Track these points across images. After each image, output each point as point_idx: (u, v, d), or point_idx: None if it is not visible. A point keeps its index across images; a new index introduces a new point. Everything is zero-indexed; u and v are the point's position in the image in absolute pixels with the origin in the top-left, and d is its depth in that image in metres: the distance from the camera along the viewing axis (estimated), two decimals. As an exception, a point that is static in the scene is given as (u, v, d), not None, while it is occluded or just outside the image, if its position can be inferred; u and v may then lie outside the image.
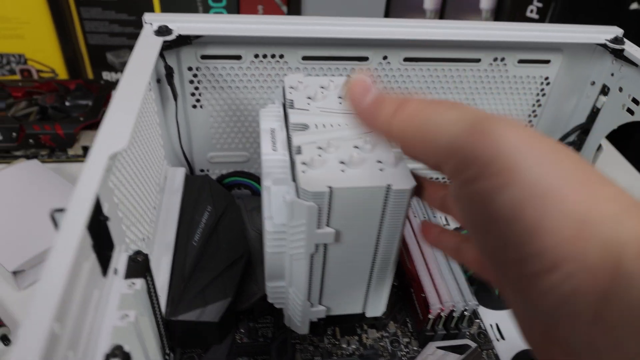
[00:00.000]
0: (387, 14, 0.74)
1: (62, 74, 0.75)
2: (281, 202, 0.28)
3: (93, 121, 0.55)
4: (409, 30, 0.39)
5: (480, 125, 0.17)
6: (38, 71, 0.74)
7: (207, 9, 0.72)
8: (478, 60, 0.43)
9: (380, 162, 0.28)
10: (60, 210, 0.22)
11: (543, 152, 0.16)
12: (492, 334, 0.39)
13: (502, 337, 0.39)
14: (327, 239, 0.28)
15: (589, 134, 0.47)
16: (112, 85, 0.62)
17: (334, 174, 0.27)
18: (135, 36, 0.73)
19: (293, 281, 0.31)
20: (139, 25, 0.75)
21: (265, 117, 0.33)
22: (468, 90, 0.45)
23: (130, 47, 0.75)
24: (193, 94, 0.42)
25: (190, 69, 0.40)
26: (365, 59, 0.41)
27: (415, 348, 0.37)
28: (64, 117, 0.57)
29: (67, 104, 0.59)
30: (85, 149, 0.57)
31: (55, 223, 0.22)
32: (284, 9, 0.73)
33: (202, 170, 0.48)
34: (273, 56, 0.40)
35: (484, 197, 0.17)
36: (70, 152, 0.57)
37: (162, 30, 0.35)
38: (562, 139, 0.49)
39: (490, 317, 0.40)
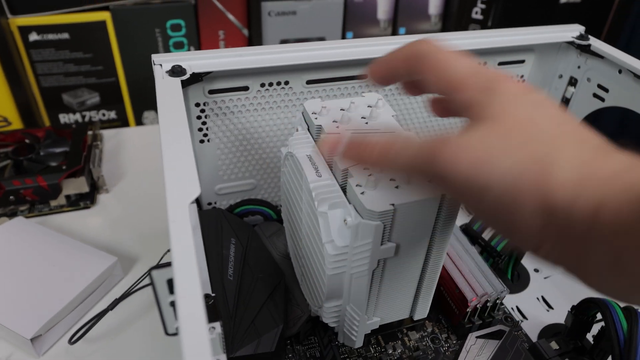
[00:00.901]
0: (344, 26, 0.76)
1: (16, 121, 0.71)
2: (341, 225, 0.29)
3: (76, 168, 0.53)
4: (404, 46, 0.42)
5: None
6: (-12, 121, 0.70)
7: (166, 39, 0.71)
8: (464, 67, 0.46)
9: (425, 174, 0.30)
10: (158, 267, 0.22)
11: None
12: (516, 316, 0.42)
13: (525, 317, 0.42)
14: (388, 253, 0.29)
15: (562, 121, 0.51)
16: (85, 127, 0.59)
17: (391, 192, 0.28)
18: (93, 74, 0.71)
19: (352, 298, 0.32)
20: (95, 63, 0.73)
21: (297, 145, 0.34)
22: (455, 94, 0.48)
23: (88, 86, 0.73)
24: (200, 129, 0.42)
25: (197, 104, 0.40)
26: (366, 76, 0.43)
27: (454, 342, 0.40)
28: (43, 168, 0.54)
29: (41, 153, 0.56)
30: (69, 198, 0.55)
31: (152, 282, 0.22)
32: (245, 31, 0.74)
33: (209, 204, 0.47)
34: (279, 83, 0.41)
35: None
36: (53, 203, 0.54)
37: (177, 71, 0.35)
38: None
39: (510, 301, 0.44)
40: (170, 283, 0.22)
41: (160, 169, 0.60)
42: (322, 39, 0.76)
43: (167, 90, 0.34)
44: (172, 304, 0.23)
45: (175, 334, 0.25)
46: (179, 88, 0.34)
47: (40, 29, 0.66)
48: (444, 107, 0.29)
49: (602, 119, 0.48)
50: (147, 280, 0.44)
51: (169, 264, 0.22)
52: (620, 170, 0.19)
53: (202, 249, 0.41)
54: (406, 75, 0.27)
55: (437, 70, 0.25)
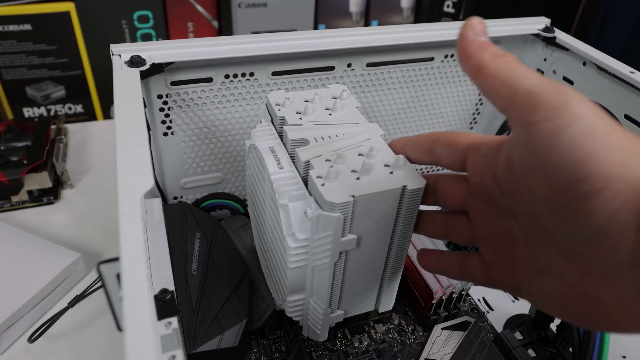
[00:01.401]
0: (316, 19, 0.76)
1: (-23, 115, 0.69)
2: (302, 217, 0.29)
3: (38, 162, 0.52)
4: (371, 38, 0.41)
5: (555, 84, 0.21)
6: (-52, 115, 0.67)
7: (134, 31, 0.69)
8: (431, 59, 0.46)
9: (387, 165, 0.29)
10: (107, 261, 0.21)
11: (598, 112, 0.20)
12: (482, 307, 0.43)
13: (491, 309, 0.43)
14: (350, 245, 0.29)
15: (529, 114, 0.52)
16: (48, 121, 0.58)
17: (351, 183, 0.28)
18: (58, 67, 0.69)
19: (315, 291, 0.32)
20: (60, 55, 0.71)
21: (260, 137, 0.33)
22: (424, 86, 0.48)
23: (52, 79, 0.71)
24: (164, 122, 0.41)
25: (160, 96, 0.39)
26: (332, 68, 0.43)
27: (421, 333, 0.40)
28: (4, 162, 0.52)
29: (1, 147, 0.54)
30: (31, 194, 0.53)
31: (100, 276, 0.22)
32: (215, 23, 0.73)
33: (175, 198, 0.46)
34: (244, 75, 0.40)
35: (548, 135, 0.20)
36: (15, 199, 0.52)
37: (136, 61, 0.34)
38: (506, 121, 0.54)
39: (477, 293, 0.44)
40: (119, 278, 0.22)
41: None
42: (293, 31, 0.76)
43: (125, 81, 0.33)
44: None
45: (128, 330, 0.24)
46: (137, 79, 0.33)
47: (1, 19, 0.64)
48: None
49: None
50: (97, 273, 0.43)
51: (117, 259, 0.21)
52: None
53: (165, 244, 0.40)
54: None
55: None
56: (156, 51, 0.36)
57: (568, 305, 0.22)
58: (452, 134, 0.28)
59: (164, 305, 0.27)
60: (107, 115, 0.75)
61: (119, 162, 0.25)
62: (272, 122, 0.35)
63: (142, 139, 0.27)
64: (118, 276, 0.22)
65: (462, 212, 0.28)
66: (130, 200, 0.23)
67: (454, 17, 0.81)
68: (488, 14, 0.81)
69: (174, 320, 0.26)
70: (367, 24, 0.80)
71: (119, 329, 0.24)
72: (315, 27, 0.78)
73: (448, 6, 0.80)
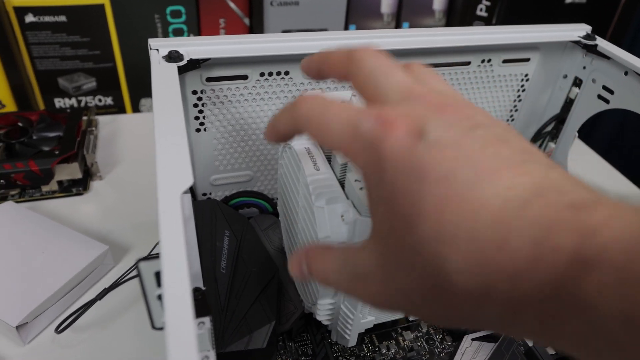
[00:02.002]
0: (347, 19, 0.75)
1: (9, 104, 0.70)
2: (338, 221, 0.28)
3: (70, 154, 0.52)
4: (407, 40, 0.41)
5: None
6: (-18, 103, 0.68)
7: (166, 26, 0.70)
8: (468, 63, 0.45)
9: (427, 171, 0.29)
10: (146, 259, 0.21)
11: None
12: (512, 319, 0.42)
13: (522, 321, 0.42)
14: (386, 251, 0.29)
15: (565, 123, 0.51)
16: (80, 112, 0.58)
17: (390, 188, 0.27)
18: (90, 59, 0.69)
19: (346, 296, 0.31)
20: (93, 47, 0.71)
21: (296, 138, 0.33)
22: (459, 90, 0.47)
23: (84, 71, 0.72)
24: (197, 118, 0.41)
25: (194, 92, 0.39)
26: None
27: (449, 343, 0.39)
28: (36, 152, 0.53)
29: (34, 137, 0.55)
30: (61, 184, 0.54)
31: (138, 273, 0.21)
32: (246, 21, 0.73)
33: (204, 194, 0.46)
34: (279, 73, 0.40)
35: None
36: (45, 188, 0.53)
37: (174, 56, 0.34)
38: (541, 129, 0.52)
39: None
40: (158, 276, 0.22)
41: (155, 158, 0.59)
42: (324, 30, 0.75)
43: (163, 76, 0.33)
44: (160, 297, 0.22)
45: (162, 328, 0.24)
46: (176, 74, 0.33)
47: (37, 10, 0.65)
48: None
49: (602, 120, 0.48)
50: (137, 271, 0.43)
51: (157, 256, 0.21)
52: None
53: (194, 240, 0.40)
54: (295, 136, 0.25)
55: (320, 136, 0.21)
56: (193, 47, 0.36)
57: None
58: None
59: (198, 304, 0.27)
60: (137, 108, 0.75)
61: (159, 159, 0.25)
62: (307, 122, 0.34)
63: (181, 135, 0.27)
64: (156, 274, 0.22)
65: None
66: (171, 197, 0.23)
67: (486, 21, 0.80)
68: (521, 18, 0.79)
69: (207, 320, 0.26)
70: (398, 25, 0.80)
71: (154, 327, 0.24)
72: (346, 27, 0.77)
73: (481, 10, 0.79)
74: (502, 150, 0.17)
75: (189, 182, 0.24)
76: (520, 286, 0.15)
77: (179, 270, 0.20)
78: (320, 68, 0.25)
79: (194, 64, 0.36)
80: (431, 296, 0.18)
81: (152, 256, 0.21)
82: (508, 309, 0.16)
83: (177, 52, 0.35)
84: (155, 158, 0.25)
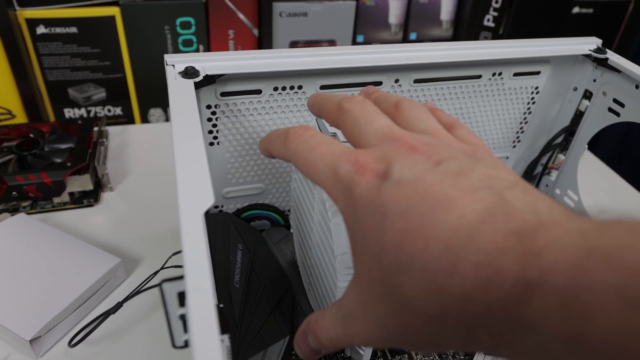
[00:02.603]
0: (355, 29, 0.76)
1: (20, 114, 0.70)
2: (355, 238, 0.28)
3: (81, 165, 0.52)
4: (420, 55, 0.41)
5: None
6: (-8, 114, 0.69)
7: (175, 37, 0.70)
8: (479, 77, 0.45)
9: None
10: (169, 280, 0.21)
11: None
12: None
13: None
14: (403, 268, 0.29)
15: (575, 135, 0.51)
16: (91, 123, 0.59)
17: (407, 206, 0.27)
18: (100, 69, 0.70)
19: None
20: (103, 58, 0.72)
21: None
22: (470, 104, 0.47)
23: (94, 81, 0.72)
24: (210, 132, 0.41)
25: (209, 107, 0.39)
26: (379, 83, 0.42)
27: (462, 357, 0.39)
28: (48, 164, 0.53)
29: (45, 149, 0.55)
30: (72, 195, 0.54)
31: (162, 294, 0.22)
32: (255, 31, 0.73)
33: (216, 207, 0.47)
34: (292, 88, 0.40)
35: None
36: (56, 200, 0.53)
37: (190, 72, 0.35)
38: (550, 141, 0.52)
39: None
40: (181, 296, 0.22)
41: (167, 170, 0.59)
42: (332, 41, 0.76)
43: (181, 92, 0.33)
44: (182, 317, 0.22)
45: (183, 347, 0.24)
46: (192, 90, 0.33)
47: (48, 22, 0.65)
48: None
49: (608, 130, 0.48)
50: (150, 283, 0.43)
51: (179, 278, 0.21)
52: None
53: (208, 254, 0.40)
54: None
55: (307, 173, 0.23)
56: (209, 62, 0.37)
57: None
58: None
59: (219, 322, 0.27)
60: (145, 118, 0.76)
61: (179, 177, 0.25)
62: (322, 137, 0.34)
63: (201, 153, 0.27)
64: (179, 294, 0.22)
65: None
66: (193, 217, 0.23)
67: (493, 32, 0.80)
68: (527, 29, 0.79)
69: (226, 338, 0.26)
70: (405, 36, 0.80)
71: (174, 345, 0.24)
72: (354, 38, 0.78)
73: (488, 20, 0.79)
74: (459, 180, 0.18)
75: (210, 201, 0.24)
76: (470, 308, 0.17)
77: (204, 290, 0.20)
78: (318, 113, 0.28)
79: (210, 80, 0.36)
80: (400, 324, 0.19)
81: (175, 278, 0.22)
82: (463, 328, 0.17)
83: (193, 68, 0.35)
84: (176, 176, 0.26)
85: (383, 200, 0.19)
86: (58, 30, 0.66)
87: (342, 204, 0.21)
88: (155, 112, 0.76)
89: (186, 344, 0.23)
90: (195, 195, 0.24)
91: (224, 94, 0.39)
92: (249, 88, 0.39)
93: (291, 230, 0.43)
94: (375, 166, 0.20)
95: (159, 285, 0.22)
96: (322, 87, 0.41)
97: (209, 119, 0.40)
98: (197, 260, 0.21)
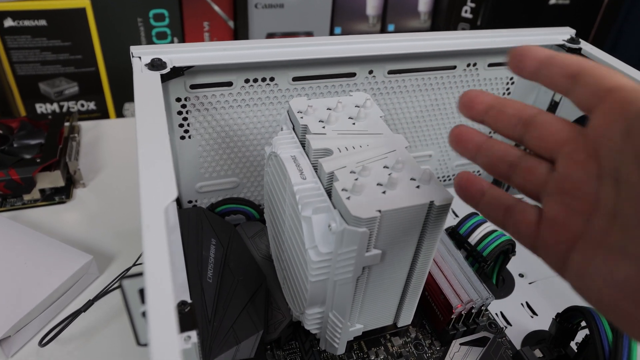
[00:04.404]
0: (333, 21, 0.75)
1: (-10, 110, 0.68)
2: (325, 230, 0.28)
3: (52, 161, 0.51)
4: (394, 45, 0.41)
5: None
6: (-40, 109, 0.67)
7: (149, 29, 0.69)
8: (454, 67, 0.45)
9: (413, 179, 0.29)
10: (130, 277, 0.21)
11: None
12: (500, 322, 0.42)
13: (509, 324, 0.42)
14: (374, 260, 0.28)
15: (550, 125, 0.51)
16: (62, 118, 0.57)
17: (377, 197, 0.27)
18: (72, 63, 0.68)
19: (335, 305, 0.31)
20: (74, 51, 0.70)
21: (281, 145, 0.32)
22: (445, 95, 0.47)
23: (66, 75, 0.70)
24: (181, 125, 0.40)
25: (178, 99, 0.39)
26: (353, 74, 0.42)
27: (438, 348, 0.39)
28: (17, 160, 0.52)
29: (14, 145, 0.54)
30: (43, 192, 0.53)
31: (123, 292, 0.21)
32: (231, 23, 0.72)
33: (189, 202, 0.46)
34: (264, 79, 0.40)
35: None
36: (26, 197, 0.52)
37: (157, 64, 0.34)
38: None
39: (494, 307, 0.43)
40: (142, 293, 0.21)
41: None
42: (309, 33, 0.75)
43: (146, 84, 0.32)
44: (144, 314, 0.22)
45: (146, 345, 0.23)
46: (159, 82, 0.32)
47: (16, 14, 0.63)
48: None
49: (581, 121, 0.48)
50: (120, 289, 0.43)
51: (140, 274, 0.21)
52: None
53: (180, 250, 0.40)
54: (554, 82, 0.23)
55: (596, 80, 0.21)
56: (176, 54, 0.36)
57: (630, 295, 0.18)
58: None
59: (183, 318, 0.27)
60: (120, 113, 0.74)
61: (142, 171, 0.25)
62: (293, 129, 0.34)
63: (165, 146, 0.26)
64: (140, 291, 0.21)
65: (545, 158, 0.23)
66: (154, 211, 0.22)
67: (471, 23, 0.80)
68: (505, 20, 0.80)
69: (193, 334, 0.26)
70: (383, 27, 0.79)
71: (138, 343, 0.23)
72: (332, 30, 0.77)
73: (466, 11, 0.79)
74: None
75: (172, 195, 0.23)
76: None
77: (163, 287, 0.19)
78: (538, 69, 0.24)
79: (178, 72, 0.35)
80: None
81: (135, 274, 0.21)
82: None
83: (159, 59, 0.34)
84: (138, 171, 0.25)
85: None
86: (27, 23, 0.64)
87: None
88: (130, 107, 0.75)
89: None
90: (158, 189, 0.24)
91: (193, 87, 0.38)
92: (220, 80, 0.39)
93: (266, 224, 0.42)
94: None
95: (119, 282, 0.21)
96: (295, 79, 0.40)
97: (179, 112, 0.39)
98: (156, 255, 0.21)
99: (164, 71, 0.34)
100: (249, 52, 0.37)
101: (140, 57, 0.35)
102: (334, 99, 0.34)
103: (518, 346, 0.40)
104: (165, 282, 0.20)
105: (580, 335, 0.37)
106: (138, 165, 0.25)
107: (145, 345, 0.23)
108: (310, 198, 0.29)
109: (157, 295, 0.19)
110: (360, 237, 0.26)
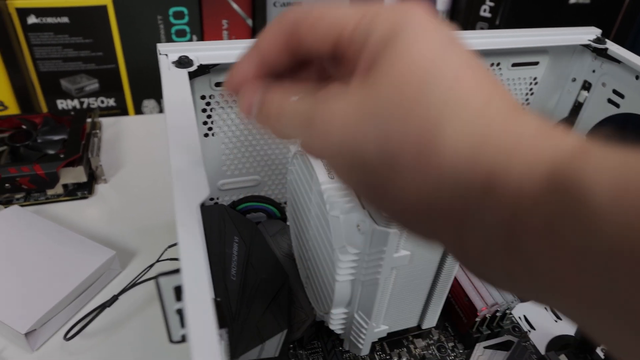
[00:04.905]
0: (351, 20, 0.74)
1: (12, 105, 0.69)
2: (353, 230, 0.28)
3: (75, 157, 0.51)
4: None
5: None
6: (-17, 105, 0.68)
7: (169, 27, 0.69)
8: (478, 67, 0.45)
9: (443, 180, 0.28)
10: (166, 274, 0.21)
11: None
12: (523, 326, 0.41)
13: (533, 327, 0.42)
14: (402, 261, 0.28)
15: (573, 126, 0.50)
16: (84, 114, 0.58)
17: (407, 198, 0.27)
18: (92, 60, 0.69)
19: (361, 306, 0.31)
20: (95, 49, 0.71)
21: (308, 144, 0.32)
22: (468, 95, 0.47)
23: (87, 72, 0.71)
24: (205, 123, 0.40)
25: (203, 97, 0.39)
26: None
27: (461, 351, 0.39)
28: (41, 155, 0.52)
29: (38, 140, 0.54)
30: (66, 187, 0.53)
31: (158, 289, 0.21)
32: (249, 21, 0.72)
33: (211, 199, 0.46)
34: (288, 78, 0.40)
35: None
36: (50, 192, 0.52)
37: (184, 62, 0.34)
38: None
39: (518, 310, 0.43)
40: (177, 290, 0.21)
41: (161, 161, 0.59)
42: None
43: (174, 82, 0.32)
44: (179, 311, 0.22)
45: (179, 342, 0.24)
46: (186, 80, 0.32)
47: (40, 11, 0.64)
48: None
49: (605, 123, 0.47)
50: (146, 276, 0.43)
51: (176, 271, 0.21)
52: (528, 136, 0.16)
53: (204, 247, 0.40)
54: (284, 59, 0.21)
55: (317, 25, 0.19)
56: (203, 52, 0.36)
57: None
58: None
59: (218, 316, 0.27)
60: (139, 109, 0.75)
61: (174, 170, 0.25)
62: (319, 128, 0.34)
63: (196, 145, 0.26)
64: (176, 289, 0.21)
65: None
66: (188, 209, 0.23)
67: (490, 22, 0.79)
68: (523, 20, 0.78)
69: (223, 333, 0.26)
70: (402, 26, 0.79)
71: (171, 340, 0.23)
72: (350, 28, 0.77)
73: (485, 10, 0.78)
74: None
75: (205, 193, 0.23)
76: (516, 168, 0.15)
77: (201, 284, 0.20)
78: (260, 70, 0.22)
79: (204, 69, 0.35)
80: (412, 147, 0.16)
81: (171, 271, 0.21)
82: (507, 202, 0.15)
83: (187, 57, 0.34)
84: (171, 168, 0.25)
85: None
86: (49, 20, 0.65)
87: None
88: (149, 104, 0.75)
89: (183, 339, 0.23)
90: (190, 187, 0.24)
91: (218, 84, 0.38)
92: (245, 78, 0.39)
93: (287, 223, 0.42)
94: None
95: (155, 279, 0.21)
96: (319, 78, 0.40)
97: (204, 110, 0.40)
98: (193, 253, 0.21)
99: (191, 69, 0.34)
100: (275, 50, 0.37)
101: (167, 55, 0.35)
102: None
103: (542, 351, 0.39)
104: (203, 279, 0.20)
105: (606, 340, 0.36)
106: (170, 163, 0.25)
107: (177, 342, 0.23)
108: (338, 198, 0.29)
109: (195, 292, 0.19)
110: (390, 237, 0.26)
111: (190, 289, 0.19)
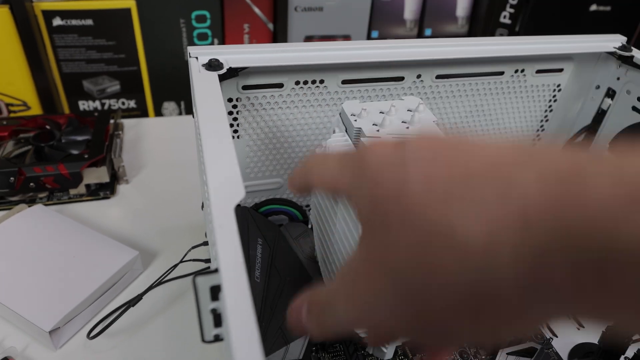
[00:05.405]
0: (370, 25, 0.75)
1: (35, 105, 0.70)
2: (383, 234, 0.28)
3: (99, 157, 0.52)
4: (442, 50, 0.41)
5: None
6: (7, 105, 0.69)
7: (191, 30, 0.70)
8: (501, 73, 0.45)
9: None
10: (202, 273, 0.21)
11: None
12: (545, 333, 0.41)
13: (555, 335, 0.41)
14: (430, 266, 0.28)
15: (597, 134, 0.50)
16: (107, 115, 0.58)
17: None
18: (115, 62, 0.70)
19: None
20: (118, 51, 0.72)
21: (335, 147, 0.33)
22: (491, 101, 0.47)
23: (109, 74, 0.72)
24: (231, 125, 0.41)
25: (230, 100, 0.39)
26: (401, 78, 0.42)
27: (483, 357, 0.38)
28: (65, 155, 0.53)
29: (62, 141, 0.55)
30: (89, 187, 0.54)
31: (195, 288, 0.21)
32: (270, 26, 0.73)
33: (233, 201, 0.46)
34: (314, 82, 0.40)
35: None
36: (73, 192, 0.53)
37: (214, 65, 0.34)
38: (571, 140, 0.52)
39: (539, 317, 0.42)
40: (213, 290, 0.21)
41: (182, 163, 0.59)
42: (347, 36, 0.75)
43: (205, 85, 0.33)
44: (213, 311, 0.22)
45: (212, 341, 0.24)
46: (217, 83, 0.33)
47: (65, 14, 0.65)
48: None
49: (629, 131, 0.47)
50: (170, 276, 0.43)
51: (212, 271, 0.21)
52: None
53: (241, 248, 0.40)
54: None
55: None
56: (232, 55, 0.36)
57: None
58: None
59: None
60: (159, 112, 0.75)
61: (209, 171, 0.25)
62: (346, 132, 0.34)
63: (230, 147, 0.27)
64: (212, 289, 0.22)
65: None
66: (225, 210, 0.23)
67: (509, 28, 0.79)
68: (543, 27, 0.78)
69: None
70: (420, 31, 0.79)
71: (204, 340, 0.24)
72: (369, 34, 0.77)
73: (504, 17, 0.78)
74: None
75: (241, 194, 0.24)
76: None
77: (241, 285, 0.20)
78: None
79: (233, 72, 0.36)
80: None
81: (209, 271, 0.21)
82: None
83: (217, 60, 0.35)
84: (206, 170, 0.25)
85: None
86: (74, 22, 0.66)
87: None
88: (169, 106, 0.76)
89: (216, 339, 0.23)
90: (226, 188, 0.24)
91: (245, 87, 0.39)
92: (271, 81, 0.39)
93: (309, 226, 0.43)
94: None
95: (192, 277, 0.21)
96: (344, 82, 0.41)
97: (230, 113, 0.40)
98: (231, 253, 0.21)
99: (221, 72, 0.35)
100: (301, 54, 0.38)
101: (197, 58, 0.35)
102: (387, 102, 0.34)
103: (565, 358, 0.39)
104: (242, 279, 0.20)
105: (632, 350, 0.36)
106: (205, 165, 0.26)
107: (210, 341, 0.24)
108: (367, 201, 0.29)
109: (235, 293, 0.20)
110: (420, 241, 0.26)
111: (230, 289, 0.20)
